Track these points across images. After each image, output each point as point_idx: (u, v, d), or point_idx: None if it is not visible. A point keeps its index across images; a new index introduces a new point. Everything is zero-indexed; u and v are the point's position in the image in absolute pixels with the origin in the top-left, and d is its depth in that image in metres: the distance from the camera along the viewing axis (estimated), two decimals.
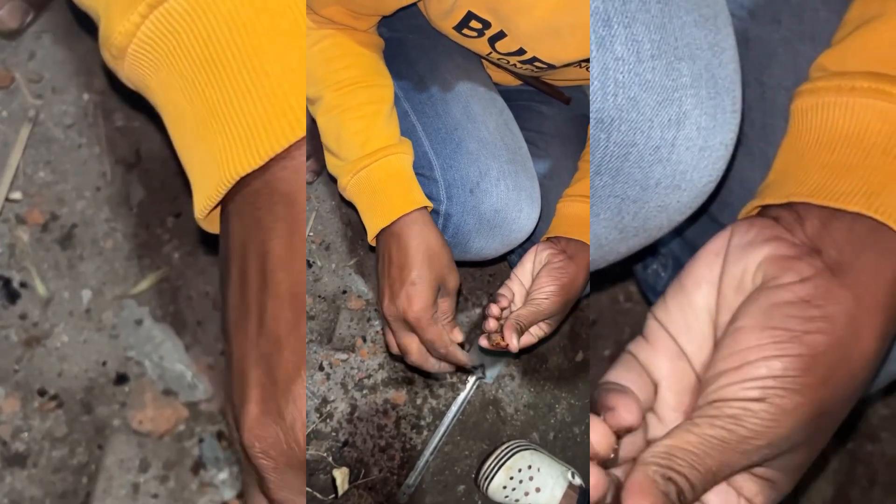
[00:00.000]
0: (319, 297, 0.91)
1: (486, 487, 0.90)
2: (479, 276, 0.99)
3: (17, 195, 0.83)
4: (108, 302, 0.86)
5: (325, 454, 0.88)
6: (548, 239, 0.71)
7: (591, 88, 0.49)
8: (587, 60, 0.67)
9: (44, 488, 0.82)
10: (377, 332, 0.92)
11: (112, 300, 0.86)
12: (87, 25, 0.84)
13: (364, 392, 0.91)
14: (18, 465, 0.82)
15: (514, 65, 0.69)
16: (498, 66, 0.74)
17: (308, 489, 0.87)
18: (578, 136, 0.81)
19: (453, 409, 0.94)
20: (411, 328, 0.64)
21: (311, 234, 0.91)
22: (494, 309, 0.67)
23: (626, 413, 0.36)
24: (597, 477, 0.34)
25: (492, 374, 0.97)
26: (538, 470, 0.89)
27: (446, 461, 0.94)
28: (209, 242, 0.88)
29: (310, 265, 0.91)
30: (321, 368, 0.89)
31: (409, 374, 0.93)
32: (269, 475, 0.34)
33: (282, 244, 0.34)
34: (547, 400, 1.01)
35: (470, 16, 0.62)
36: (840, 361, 0.34)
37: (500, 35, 0.63)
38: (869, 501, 1.17)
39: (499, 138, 0.71)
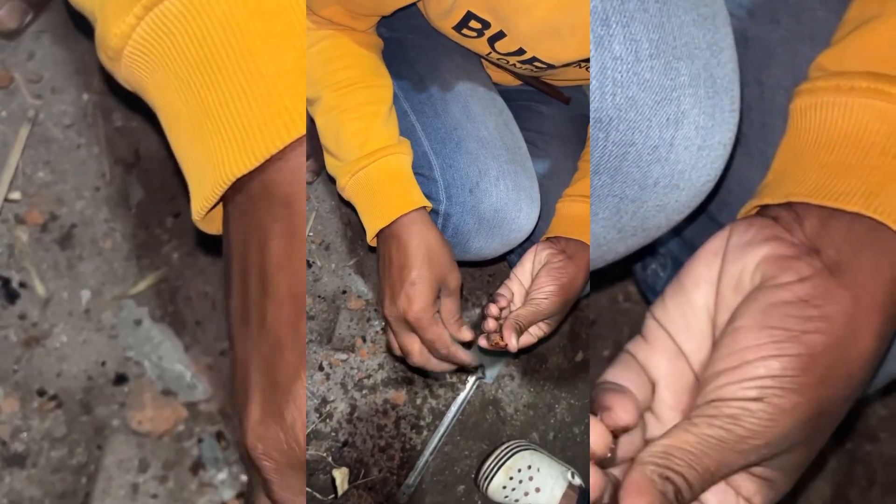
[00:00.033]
0: (319, 297, 0.91)
1: (486, 487, 0.90)
2: (479, 276, 0.99)
3: (16, 195, 0.83)
4: (107, 302, 0.86)
5: (324, 454, 0.88)
6: (547, 239, 0.71)
7: (590, 88, 0.49)
8: (587, 60, 0.67)
9: (43, 488, 0.82)
10: (377, 332, 0.92)
11: (111, 300, 0.86)
12: (83, 26, 0.84)
13: (364, 392, 0.91)
14: (18, 466, 0.82)
15: (514, 65, 0.69)
16: (498, 66, 0.74)
17: (308, 489, 0.87)
18: (578, 136, 0.81)
19: (453, 409, 0.94)
20: (412, 328, 0.64)
21: (311, 234, 0.91)
22: (493, 309, 0.67)
23: (622, 412, 0.36)
24: (596, 477, 0.34)
25: (491, 374, 0.97)
26: (538, 470, 0.89)
27: (446, 461, 0.94)
28: (208, 243, 0.88)
29: (309, 265, 0.91)
30: (321, 368, 0.89)
31: (409, 374, 0.93)
32: (270, 476, 0.34)
33: (281, 245, 0.34)
34: (546, 400, 1.01)
35: (469, 16, 0.62)
36: (838, 361, 0.34)
37: (500, 35, 0.63)
38: (867, 501, 1.17)
39: (498, 138, 0.71)
